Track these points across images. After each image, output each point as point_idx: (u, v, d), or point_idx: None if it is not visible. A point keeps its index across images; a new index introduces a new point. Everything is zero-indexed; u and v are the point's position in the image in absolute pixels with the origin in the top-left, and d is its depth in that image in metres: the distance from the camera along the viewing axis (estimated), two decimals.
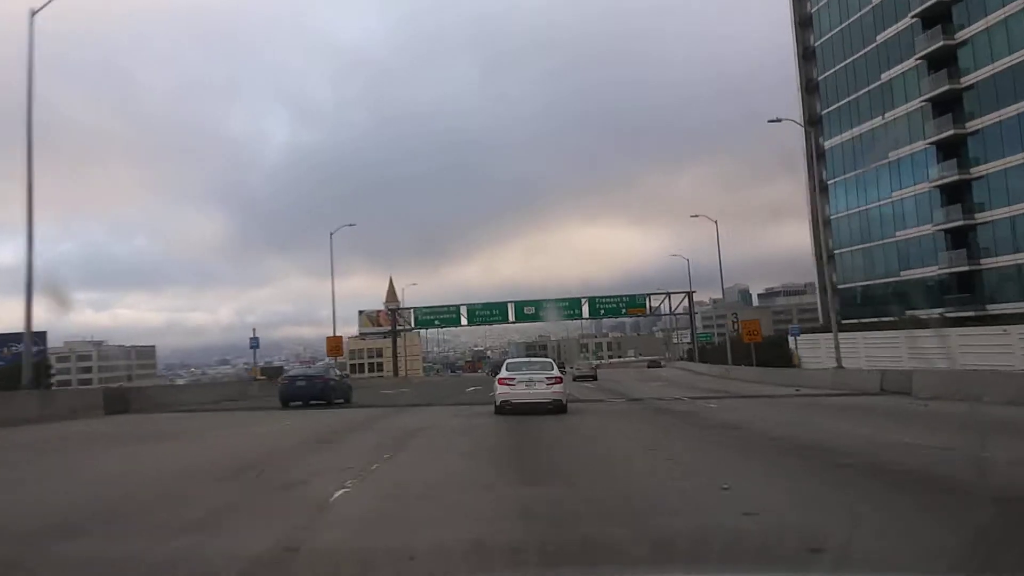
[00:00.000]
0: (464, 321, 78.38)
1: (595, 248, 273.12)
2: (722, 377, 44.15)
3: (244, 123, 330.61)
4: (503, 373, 18.04)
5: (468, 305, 78.58)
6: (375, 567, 4.90)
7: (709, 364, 56.93)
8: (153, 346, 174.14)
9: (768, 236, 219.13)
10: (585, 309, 77.93)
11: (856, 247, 54.46)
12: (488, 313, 78.13)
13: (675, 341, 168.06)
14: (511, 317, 77.79)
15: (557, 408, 17.22)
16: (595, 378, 45.80)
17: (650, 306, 78.28)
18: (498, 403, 17.46)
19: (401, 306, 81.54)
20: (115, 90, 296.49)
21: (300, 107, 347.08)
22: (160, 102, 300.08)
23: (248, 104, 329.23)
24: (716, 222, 50.62)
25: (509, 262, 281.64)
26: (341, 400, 25.62)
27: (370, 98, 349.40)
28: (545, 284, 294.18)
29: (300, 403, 23.62)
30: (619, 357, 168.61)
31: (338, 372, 31.80)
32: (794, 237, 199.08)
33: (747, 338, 45.29)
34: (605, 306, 77.79)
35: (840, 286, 57.05)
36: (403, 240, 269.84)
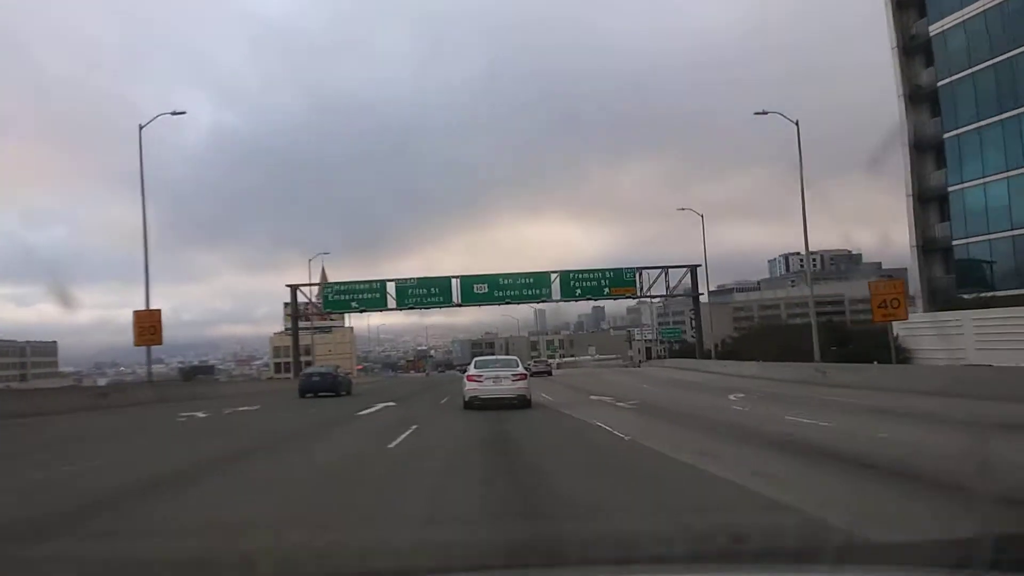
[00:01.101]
0: (392, 302, 56.58)
1: (542, 243, 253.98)
2: (818, 383, 23.89)
3: (159, 104, 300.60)
4: (471, 371, 18.65)
5: (397, 281, 56.79)
6: None
7: (754, 362, 36.41)
8: (54, 342, 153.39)
9: (712, 234, 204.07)
10: (555, 288, 56.96)
11: (993, 176, 34.61)
12: (424, 292, 56.46)
13: (636, 338, 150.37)
14: (455, 298, 56.32)
15: (522, 402, 17.48)
16: (550, 373, 47.67)
17: (641, 285, 57.77)
18: (467, 399, 17.90)
19: (316, 284, 59.29)
20: (11, 65, 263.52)
21: (221, 88, 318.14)
22: (64, 78, 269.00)
23: (162, 83, 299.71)
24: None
25: (453, 257, 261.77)
26: (345, 392, 29.92)
27: (297, 78, 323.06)
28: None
29: (312, 394, 28.04)
30: (572, 356, 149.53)
31: (344, 370, 38.46)
32: (738, 235, 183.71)
33: (880, 316, 24.73)
34: (583, 284, 56.84)
35: (955, 242, 37.20)
36: (338, 232, 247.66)
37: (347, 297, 56.46)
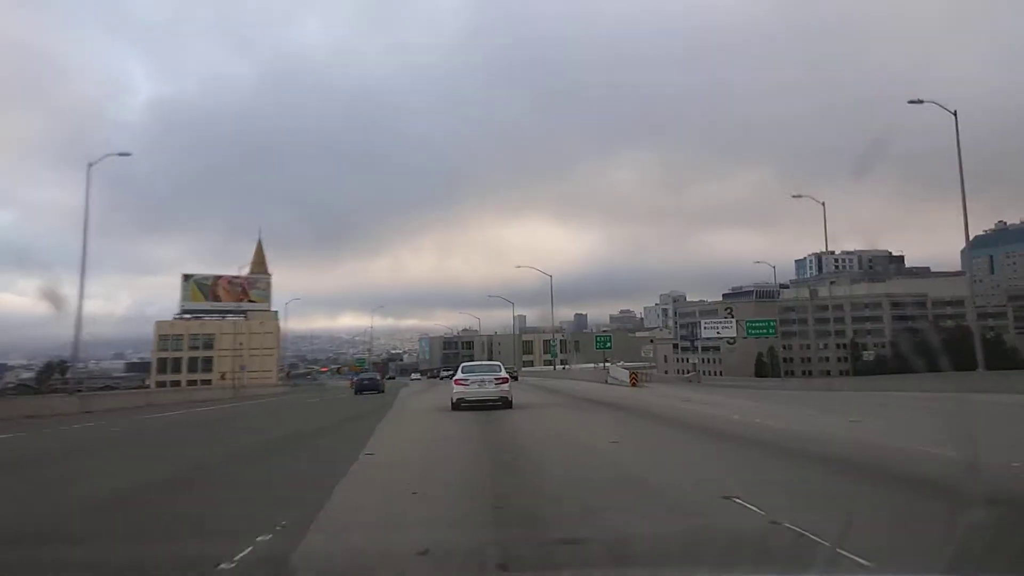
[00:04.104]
0: None
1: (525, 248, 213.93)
2: None
3: (94, 72, 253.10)
4: (458, 375, 20.60)
5: None
6: None
7: None
8: None
9: (700, 240, 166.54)
10: None
11: None
12: None
13: (697, 340, 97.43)
14: None
15: (504, 403, 19.42)
16: (516, 379, 50.33)
17: None
18: (455, 400, 19.54)
19: None
20: None
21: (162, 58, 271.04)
22: None
23: (97, 50, 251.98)
24: None
25: (426, 258, 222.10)
26: (382, 391, 40.78)
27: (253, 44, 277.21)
28: (468, 285, 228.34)
29: (360, 393, 39.02)
30: (572, 364, 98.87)
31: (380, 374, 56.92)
32: (730, 241, 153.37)
33: None
34: None
35: None
36: (299, 222, 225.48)
37: None
